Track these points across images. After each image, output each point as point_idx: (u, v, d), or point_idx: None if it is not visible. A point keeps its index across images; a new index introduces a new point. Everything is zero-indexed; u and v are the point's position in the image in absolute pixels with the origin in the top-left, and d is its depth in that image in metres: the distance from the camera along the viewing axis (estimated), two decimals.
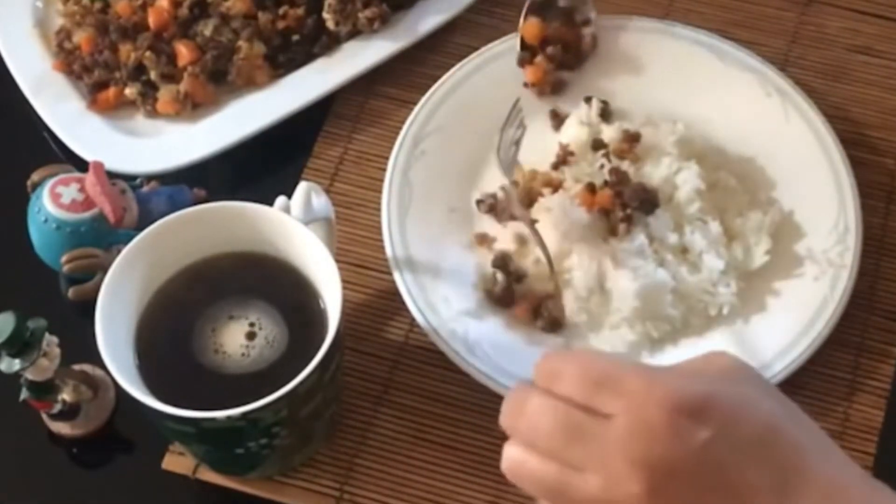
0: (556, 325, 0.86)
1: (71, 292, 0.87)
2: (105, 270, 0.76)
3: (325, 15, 0.97)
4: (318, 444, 0.82)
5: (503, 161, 0.87)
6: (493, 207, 0.90)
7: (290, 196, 0.80)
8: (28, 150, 0.95)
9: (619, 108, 0.94)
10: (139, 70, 0.96)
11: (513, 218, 0.89)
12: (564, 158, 0.90)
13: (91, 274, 0.86)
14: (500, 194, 0.90)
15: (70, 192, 0.86)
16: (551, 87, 0.95)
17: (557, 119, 0.94)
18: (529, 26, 0.95)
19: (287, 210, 0.79)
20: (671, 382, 0.57)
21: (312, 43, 0.98)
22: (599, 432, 0.57)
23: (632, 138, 0.89)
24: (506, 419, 0.60)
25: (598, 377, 0.58)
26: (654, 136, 0.90)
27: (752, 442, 0.57)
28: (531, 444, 0.59)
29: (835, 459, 0.60)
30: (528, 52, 0.95)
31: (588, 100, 0.93)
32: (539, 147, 0.92)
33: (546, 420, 0.58)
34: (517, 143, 0.89)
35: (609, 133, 0.91)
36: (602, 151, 0.90)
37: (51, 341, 0.78)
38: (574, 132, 0.92)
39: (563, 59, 0.95)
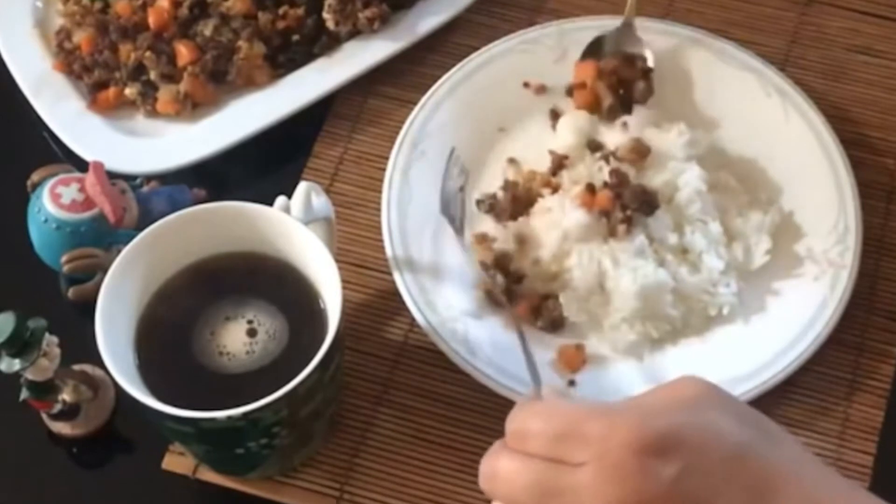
0: (556, 325, 0.86)
1: (71, 292, 0.87)
2: (105, 270, 0.76)
3: (325, 15, 0.97)
4: (318, 444, 0.82)
5: (452, 217, 0.87)
6: (493, 207, 0.90)
7: (290, 196, 0.80)
8: (28, 150, 0.95)
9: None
10: (139, 70, 0.96)
11: (513, 217, 0.89)
12: (560, 164, 0.90)
13: (91, 274, 0.86)
14: (501, 194, 0.90)
15: (70, 192, 0.86)
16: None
17: (557, 118, 0.94)
18: (585, 66, 0.93)
19: (287, 210, 0.79)
20: (633, 422, 0.58)
21: (312, 43, 0.98)
22: (572, 483, 0.58)
23: (641, 150, 0.88)
24: (483, 484, 0.62)
25: (561, 430, 0.59)
26: (658, 139, 0.89)
27: (721, 469, 0.58)
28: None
29: (812, 473, 0.61)
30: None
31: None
32: (538, 148, 0.92)
33: (519, 481, 0.60)
34: (462, 189, 0.88)
35: (611, 136, 0.90)
36: (600, 153, 0.89)
37: (51, 341, 0.78)
38: (566, 137, 0.91)
39: (616, 94, 0.93)
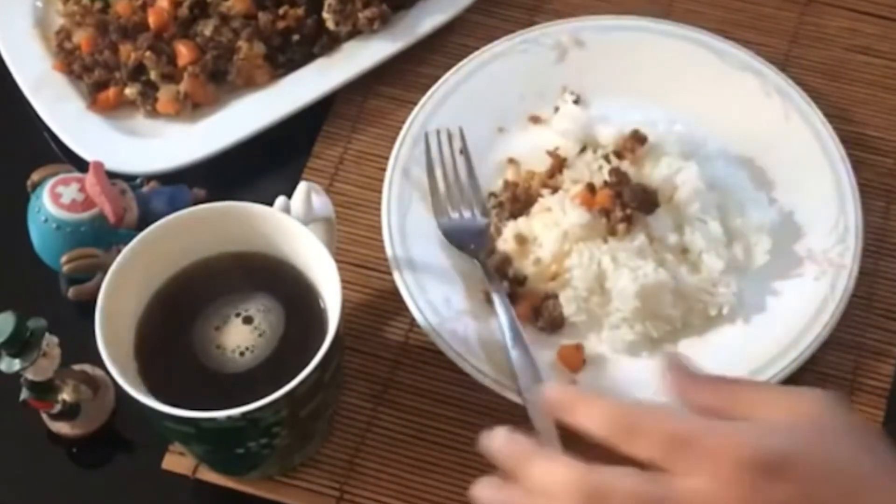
0: (556, 325, 0.86)
1: (71, 292, 0.87)
2: (105, 270, 0.76)
3: (325, 15, 0.97)
4: (318, 444, 0.82)
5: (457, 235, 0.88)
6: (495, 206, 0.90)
7: (290, 196, 0.80)
8: (28, 150, 0.95)
9: (618, 107, 0.94)
10: (139, 70, 0.96)
11: (513, 217, 0.89)
12: (559, 166, 0.90)
13: (91, 274, 0.86)
14: (502, 194, 0.90)
15: (70, 192, 0.86)
16: None
17: (539, 122, 0.94)
18: None
19: (287, 210, 0.79)
20: (751, 440, 0.58)
21: (312, 43, 0.98)
22: (680, 491, 0.57)
23: (639, 139, 0.89)
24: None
25: (678, 438, 0.58)
26: (654, 135, 0.90)
27: (834, 502, 0.57)
28: None
29: None
30: None
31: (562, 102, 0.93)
32: (538, 148, 0.92)
33: (623, 491, 0.58)
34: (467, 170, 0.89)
35: (608, 132, 0.90)
36: (601, 151, 0.89)
37: (51, 341, 0.78)
38: (561, 130, 0.91)
39: None
